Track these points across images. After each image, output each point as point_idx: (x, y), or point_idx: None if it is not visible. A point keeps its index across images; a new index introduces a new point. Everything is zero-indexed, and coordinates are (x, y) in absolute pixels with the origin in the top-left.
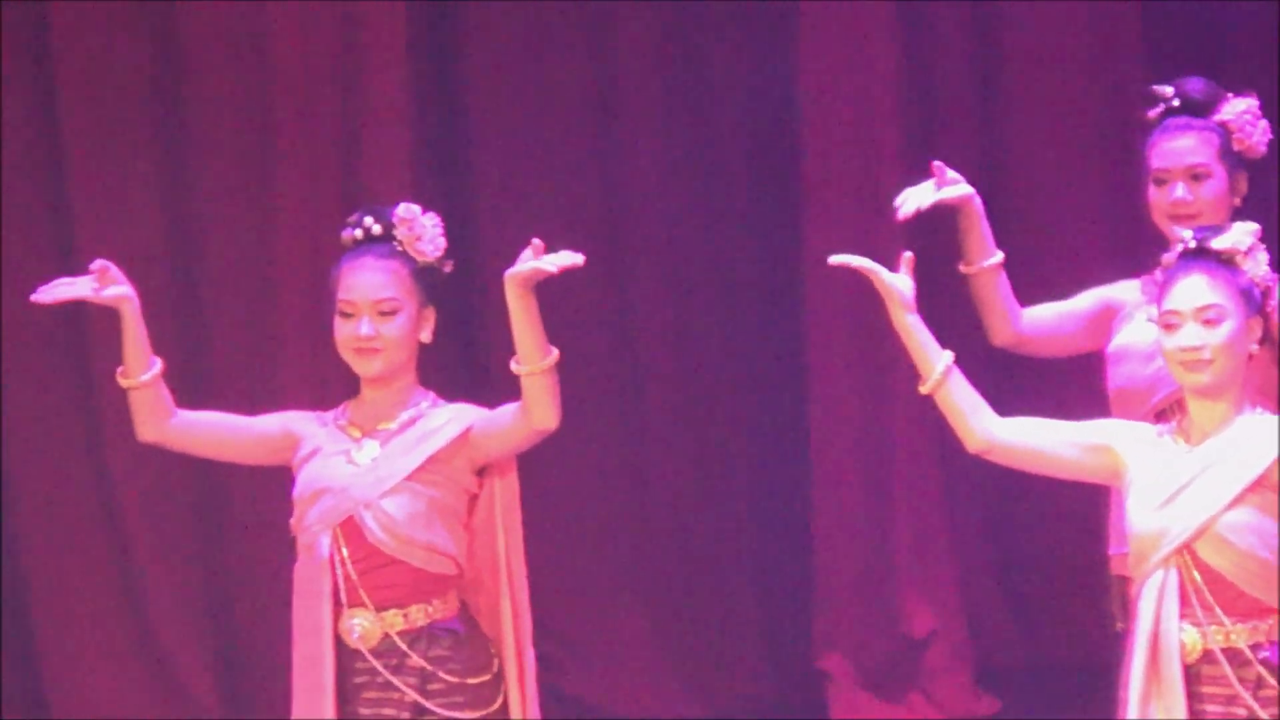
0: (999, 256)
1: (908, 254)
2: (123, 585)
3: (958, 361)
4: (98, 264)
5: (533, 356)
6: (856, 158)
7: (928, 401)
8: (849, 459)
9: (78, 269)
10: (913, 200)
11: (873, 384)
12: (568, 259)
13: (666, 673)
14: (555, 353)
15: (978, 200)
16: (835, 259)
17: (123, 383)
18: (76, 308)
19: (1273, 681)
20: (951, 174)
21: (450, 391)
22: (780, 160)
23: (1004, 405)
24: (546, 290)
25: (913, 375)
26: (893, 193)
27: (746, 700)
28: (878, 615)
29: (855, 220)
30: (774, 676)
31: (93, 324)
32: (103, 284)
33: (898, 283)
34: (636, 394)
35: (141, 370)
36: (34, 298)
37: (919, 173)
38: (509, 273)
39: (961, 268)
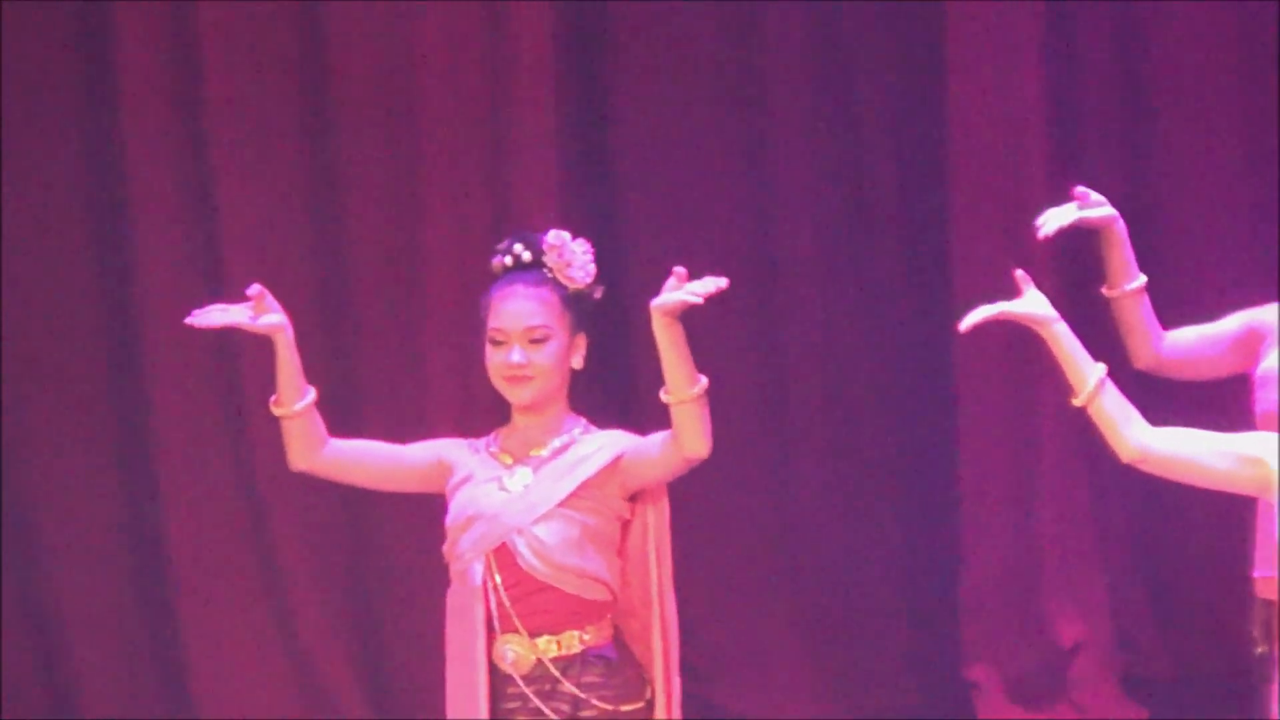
0: (1141, 280)
1: (1019, 271)
2: (276, 614)
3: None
4: (253, 289)
5: (681, 386)
6: (1003, 176)
7: (1074, 412)
8: (996, 469)
9: (227, 295)
10: (1054, 220)
11: (1020, 395)
12: (711, 285)
13: (814, 683)
14: (704, 381)
15: (1120, 223)
16: (966, 324)
17: (275, 411)
18: (228, 333)
19: None
20: (1095, 196)
21: (602, 417)
22: (928, 179)
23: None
24: (692, 314)
25: (1060, 386)
26: (1039, 211)
27: (893, 711)
28: (1025, 624)
29: (1002, 238)
30: (921, 687)
31: (244, 350)
32: (257, 311)
33: (1029, 305)
34: (783, 408)
35: (295, 399)
36: (187, 321)
37: (1064, 193)
38: (654, 303)
39: (1104, 291)
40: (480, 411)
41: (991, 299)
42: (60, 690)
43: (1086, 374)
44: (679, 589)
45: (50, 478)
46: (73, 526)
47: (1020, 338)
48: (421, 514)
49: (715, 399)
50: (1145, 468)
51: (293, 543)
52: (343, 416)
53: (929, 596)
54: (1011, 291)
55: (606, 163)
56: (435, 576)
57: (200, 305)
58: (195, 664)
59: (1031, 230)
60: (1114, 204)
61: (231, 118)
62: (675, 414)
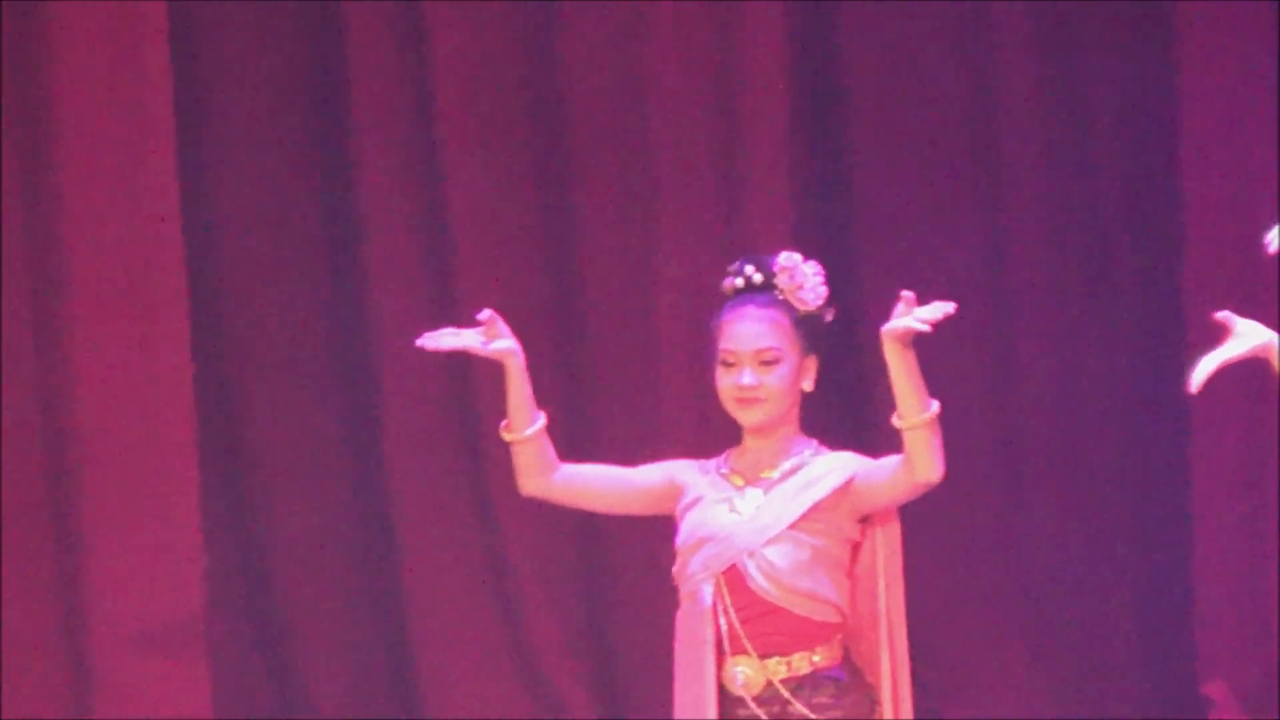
0: None
1: (1219, 314)
2: (508, 632)
3: None
4: (485, 314)
5: (913, 410)
6: (1236, 199)
7: None
8: (1229, 487)
9: (460, 319)
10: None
11: (1254, 409)
12: (939, 311)
13: (1046, 698)
14: (936, 405)
15: None
16: (1196, 383)
17: (506, 437)
18: (461, 355)
19: None
20: None
21: (833, 439)
22: (1159, 204)
23: None
24: (924, 339)
25: None
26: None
27: (1138, 715)
28: (1258, 637)
29: (1235, 258)
30: (1155, 701)
31: (477, 373)
32: (489, 336)
33: (1246, 340)
34: (1014, 428)
35: (526, 425)
36: (419, 343)
37: None
38: (884, 329)
39: None
40: (715, 433)
41: (1222, 305)
42: (294, 694)
43: None
44: (910, 608)
45: (290, 493)
46: (309, 540)
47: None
48: (652, 532)
49: (948, 419)
50: None
51: (526, 564)
52: (575, 441)
53: (1162, 610)
54: (1245, 305)
55: (839, 185)
56: (666, 595)
57: (433, 328)
58: (426, 692)
59: (1263, 247)
60: None
61: (465, 141)
62: (907, 438)
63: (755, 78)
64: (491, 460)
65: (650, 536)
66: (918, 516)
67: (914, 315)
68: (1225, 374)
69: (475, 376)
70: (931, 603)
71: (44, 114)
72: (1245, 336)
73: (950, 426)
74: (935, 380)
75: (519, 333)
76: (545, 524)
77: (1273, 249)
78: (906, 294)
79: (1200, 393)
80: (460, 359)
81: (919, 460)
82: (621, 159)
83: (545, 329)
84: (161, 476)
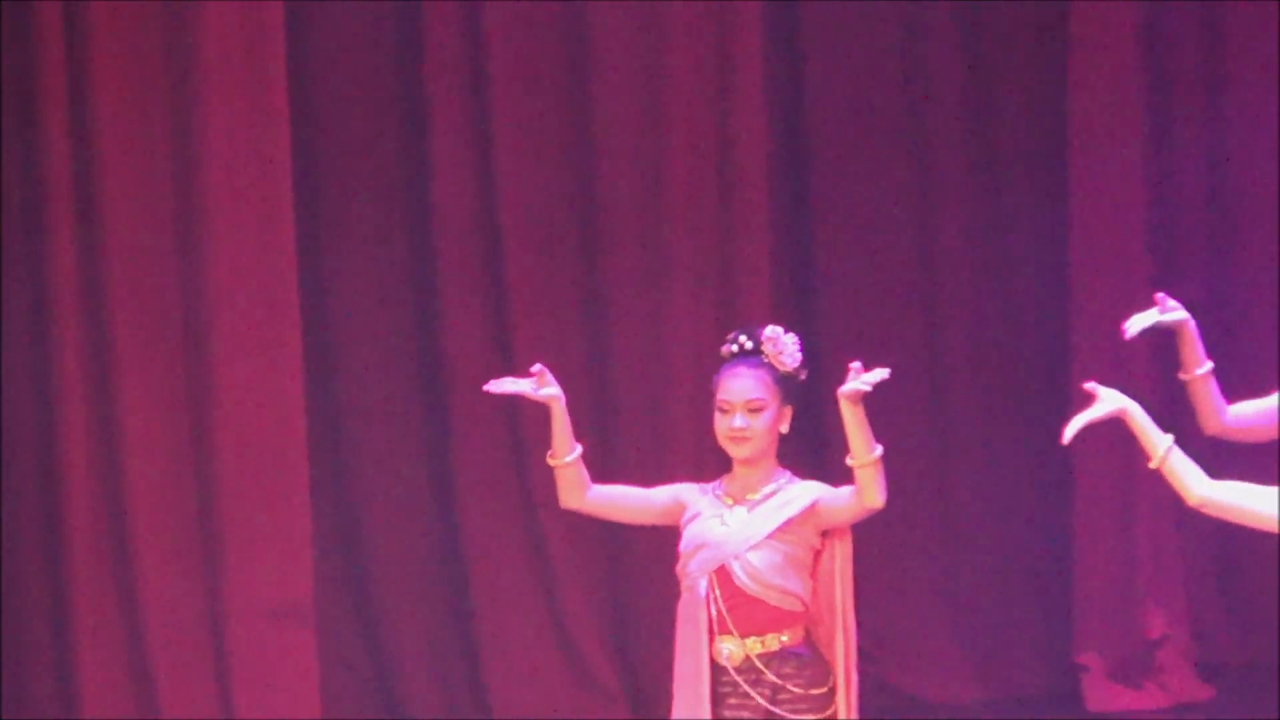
0: (1208, 366)
1: (1087, 385)
2: (550, 614)
3: (1185, 443)
4: (536, 368)
5: (862, 452)
6: (1115, 273)
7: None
8: (1104, 499)
9: (516, 370)
10: (1138, 323)
11: (1122, 443)
12: (879, 375)
13: (960, 664)
14: (880, 449)
15: (1192, 323)
16: (1068, 437)
17: (550, 463)
18: (515, 398)
19: None
20: (1171, 303)
21: (802, 470)
22: (1054, 274)
23: (1219, 475)
24: (872, 398)
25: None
26: (1143, 299)
27: (1019, 685)
28: (1123, 621)
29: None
30: (1041, 667)
31: (526, 413)
32: (539, 384)
33: (1105, 406)
34: (942, 443)
35: (566, 453)
36: (486, 388)
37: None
38: (840, 391)
39: (1180, 375)
40: (710, 464)
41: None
42: (385, 662)
43: (1157, 443)
44: (859, 600)
45: (379, 499)
46: (394, 536)
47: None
48: (662, 539)
49: (890, 433)
50: (1206, 511)
51: (568, 554)
52: (603, 466)
53: (1049, 596)
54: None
55: (811, 280)
56: (671, 587)
57: (496, 376)
58: (486, 661)
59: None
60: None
61: (520, 228)
62: (858, 474)
63: (742, 199)
64: (537, 481)
65: (660, 543)
66: (867, 530)
67: (861, 380)
68: (1099, 429)
69: (524, 415)
70: (873, 583)
71: (197, 201)
72: (1106, 403)
73: (890, 455)
74: (880, 414)
75: (562, 381)
76: (581, 532)
77: (1129, 334)
78: (855, 365)
79: (1081, 442)
80: (515, 400)
81: (867, 491)
82: (641, 242)
83: (582, 379)
84: (279, 484)
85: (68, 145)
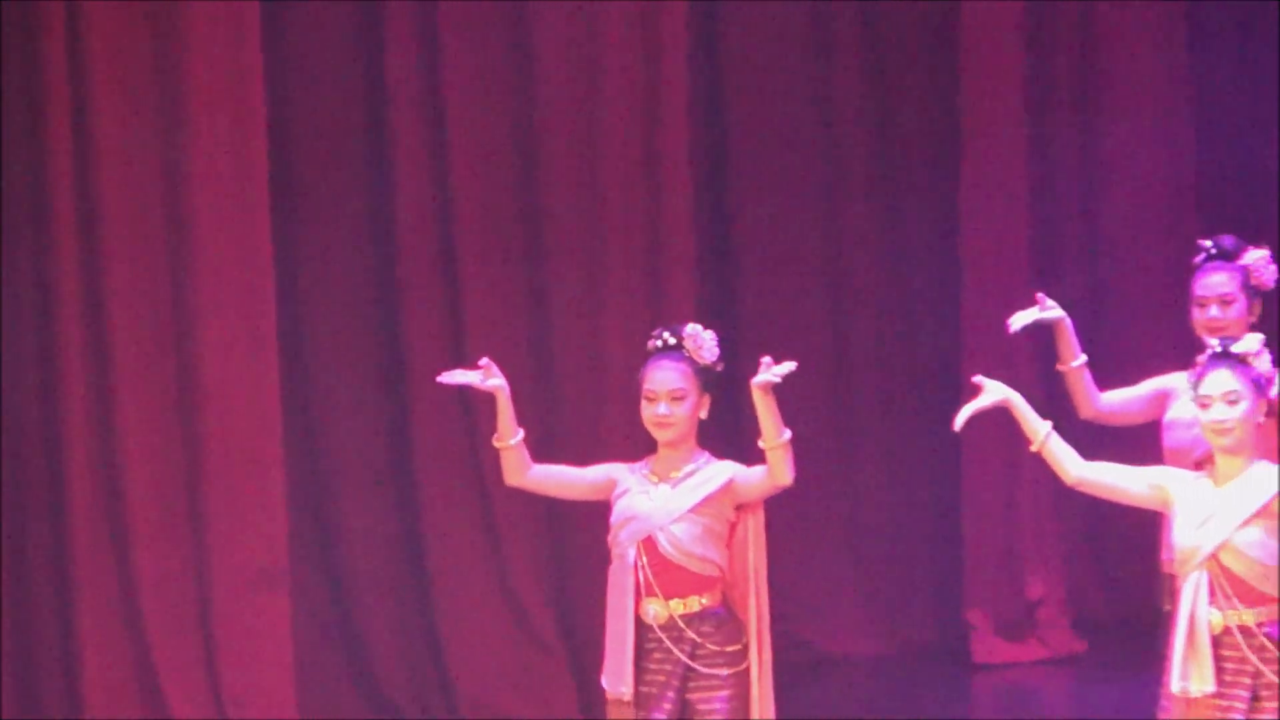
0: (1083, 359)
1: (976, 378)
2: (499, 579)
3: (1063, 427)
4: (484, 361)
5: (772, 436)
6: (1002, 271)
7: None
8: (991, 474)
9: (467, 363)
10: (1019, 320)
11: (1007, 427)
12: (787, 368)
13: (862, 622)
14: (789, 433)
15: (1068, 320)
16: (958, 424)
17: (496, 444)
18: (466, 389)
19: (1272, 648)
20: (1050, 301)
21: (719, 451)
22: (947, 287)
23: (1093, 455)
24: (783, 387)
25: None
26: (1024, 298)
27: (915, 640)
28: (1007, 583)
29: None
30: (934, 624)
31: (477, 402)
32: (486, 375)
33: (990, 396)
34: (846, 421)
35: (510, 436)
36: (438, 379)
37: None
38: (753, 381)
39: (1058, 366)
40: (639, 445)
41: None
42: (354, 625)
43: (1038, 429)
44: (771, 566)
45: (347, 478)
46: (361, 510)
47: (1024, 386)
48: (595, 513)
49: (799, 417)
50: (1082, 489)
51: (515, 529)
52: (544, 449)
53: (942, 560)
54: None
55: (730, 282)
56: (603, 555)
57: (449, 368)
58: (443, 622)
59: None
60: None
61: (476, 247)
62: (769, 455)
63: (669, 201)
64: (487, 462)
65: (595, 517)
66: (778, 504)
67: (771, 371)
68: (991, 414)
69: (476, 403)
70: (784, 545)
71: (186, 212)
72: (991, 393)
73: (799, 436)
74: (789, 393)
75: (508, 372)
76: (526, 507)
77: (1013, 329)
78: (766, 359)
79: (973, 425)
80: (466, 391)
81: (776, 470)
82: (579, 249)
83: (527, 370)
84: (257, 466)
85: (70, 164)
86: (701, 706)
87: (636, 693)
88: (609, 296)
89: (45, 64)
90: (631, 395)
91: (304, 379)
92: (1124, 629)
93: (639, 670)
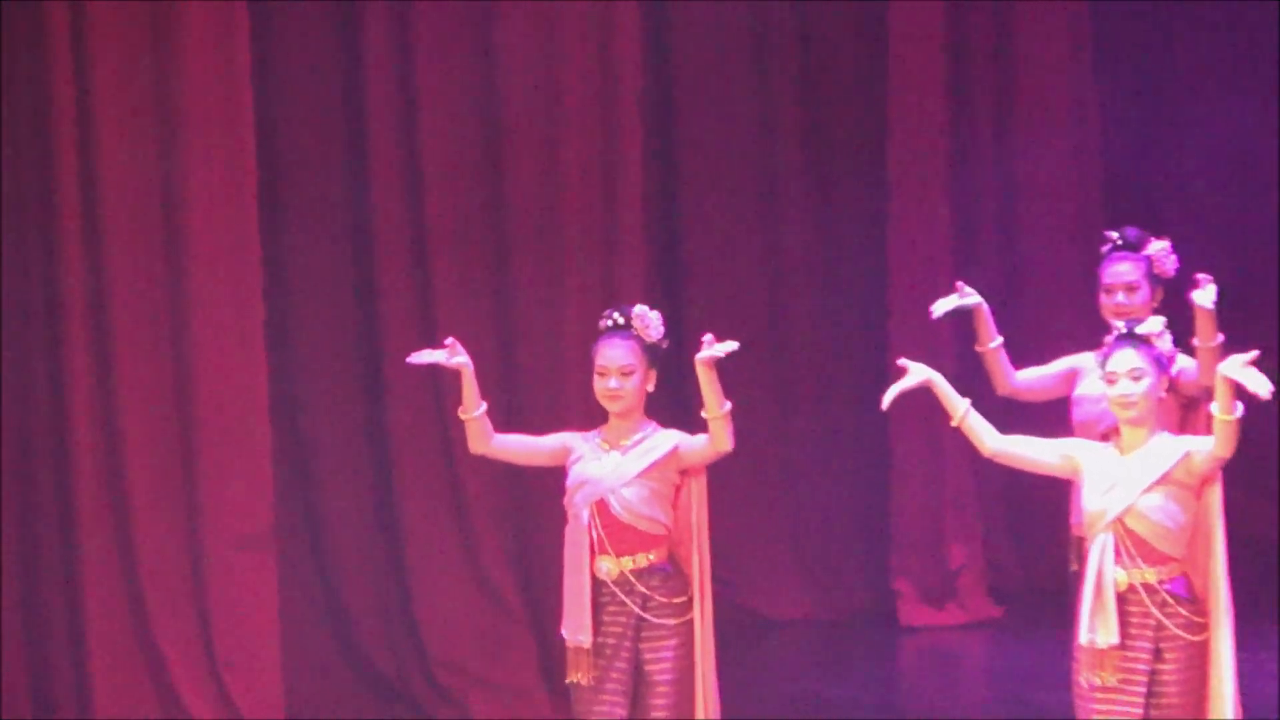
0: (999, 340)
1: (900, 360)
2: (465, 541)
3: (981, 403)
4: (449, 341)
5: (714, 407)
6: (928, 266)
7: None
8: (916, 452)
9: (434, 344)
10: (942, 306)
11: (930, 406)
12: (730, 346)
13: (798, 587)
14: (729, 405)
15: (985, 306)
16: (886, 402)
17: (461, 416)
18: (435, 368)
19: (1174, 604)
20: (969, 289)
21: (665, 421)
22: (872, 257)
23: (1009, 429)
24: (725, 365)
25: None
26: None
27: (846, 605)
28: (930, 553)
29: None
30: (864, 591)
31: (444, 382)
32: (452, 354)
33: (914, 377)
34: (783, 400)
35: (474, 409)
36: (408, 360)
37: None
38: (697, 357)
39: (976, 348)
40: (592, 416)
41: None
42: (333, 586)
43: (958, 406)
44: (714, 528)
45: (327, 451)
46: (340, 480)
47: (947, 370)
48: (552, 478)
49: (739, 393)
50: (999, 460)
51: (481, 499)
52: (506, 419)
53: (872, 534)
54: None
55: (676, 269)
56: (559, 516)
57: (418, 349)
58: (414, 582)
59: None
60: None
61: (446, 240)
62: (710, 425)
63: (624, 207)
64: (456, 438)
65: (552, 483)
66: (720, 471)
67: (714, 349)
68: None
69: (445, 385)
70: (728, 528)
71: (180, 215)
72: (915, 374)
73: (741, 396)
74: (732, 373)
75: (474, 354)
76: (490, 474)
77: (935, 315)
78: (708, 337)
79: (900, 406)
80: (436, 372)
81: (718, 438)
82: (541, 240)
83: (494, 350)
84: (246, 445)
85: (76, 173)
86: (650, 655)
87: (595, 643)
88: (567, 285)
89: (52, 72)
90: (585, 371)
91: (288, 365)
92: (1036, 597)
93: (596, 623)
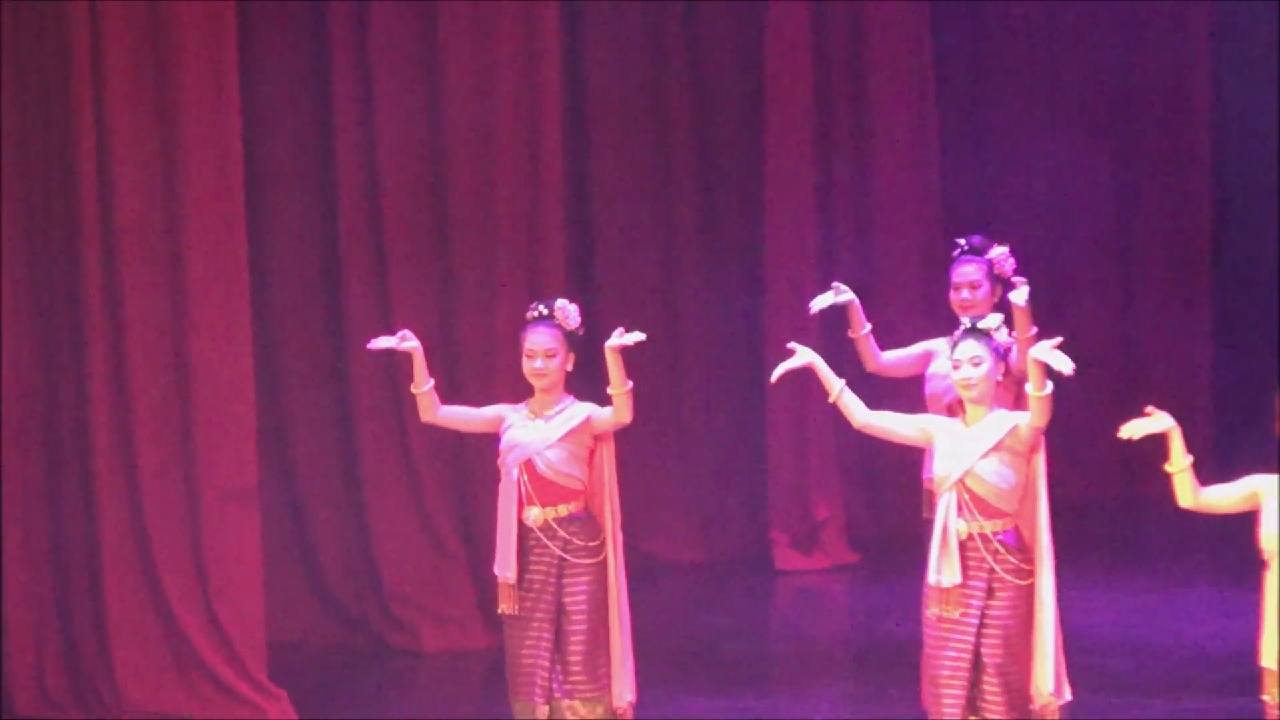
0: (868, 328)
1: (790, 344)
2: (415, 497)
3: (853, 380)
4: (402, 331)
5: (619, 385)
6: (805, 251)
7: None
8: (789, 423)
9: (391, 331)
10: (819, 302)
11: (793, 385)
12: (638, 336)
13: (688, 534)
14: (631, 384)
15: (857, 301)
16: (774, 378)
17: (413, 390)
18: (390, 353)
19: (1004, 552)
20: (844, 287)
21: (581, 395)
22: (746, 262)
23: (875, 403)
24: (628, 350)
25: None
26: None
27: (730, 550)
28: (800, 507)
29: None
30: (745, 538)
31: (399, 366)
32: (404, 340)
33: (799, 359)
34: (677, 392)
35: (423, 384)
36: (368, 345)
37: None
38: (607, 344)
39: (849, 334)
40: (520, 391)
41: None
42: (307, 538)
43: (834, 384)
44: (620, 481)
45: (301, 421)
46: (312, 445)
47: (826, 351)
48: (489, 448)
49: (640, 373)
50: (867, 431)
51: (428, 462)
52: (449, 393)
53: (752, 489)
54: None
55: (592, 268)
56: (494, 474)
57: (376, 336)
58: (375, 534)
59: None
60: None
61: (408, 245)
62: (614, 400)
63: (545, 203)
64: (407, 407)
65: (488, 448)
66: (625, 437)
67: (622, 338)
68: (798, 377)
69: (398, 365)
70: (631, 483)
71: (179, 229)
72: (800, 357)
73: (639, 387)
74: (639, 359)
75: (422, 337)
76: (437, 440)
77: (813, 310)
78: (620, 329)
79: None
80: (390, 353)
81: (620, 411)
82: (478, 236)
83: (438, 336)
84: (235, 415)
85: (95, 187)
86: (569, 590)
87: (521, 579)
88: (499, 281)
89: (72, 80)
90: (515, 353)
91: (269, 350)
92: (887, 545)
93: (524, 563)
